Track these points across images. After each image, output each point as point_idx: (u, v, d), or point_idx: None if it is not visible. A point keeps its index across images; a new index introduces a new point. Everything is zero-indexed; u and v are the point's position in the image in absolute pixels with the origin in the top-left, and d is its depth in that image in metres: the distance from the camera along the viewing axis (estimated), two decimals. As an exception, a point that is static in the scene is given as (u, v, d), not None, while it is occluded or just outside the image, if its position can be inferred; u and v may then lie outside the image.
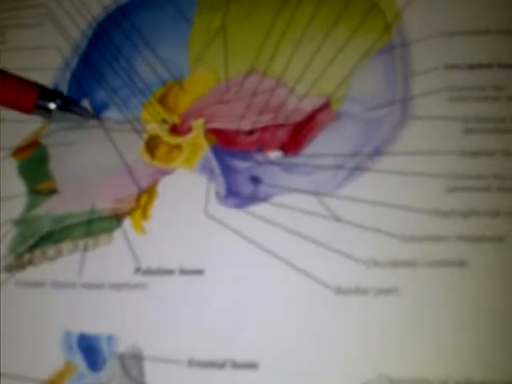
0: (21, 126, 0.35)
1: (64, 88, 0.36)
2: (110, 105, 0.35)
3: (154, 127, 0.34)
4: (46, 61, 0.37)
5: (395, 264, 0.28)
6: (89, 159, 0.34)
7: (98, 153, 0.34)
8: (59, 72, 0.37)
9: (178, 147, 0.33)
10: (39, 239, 0.32)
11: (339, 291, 0.28)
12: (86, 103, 0.36)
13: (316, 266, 0.29)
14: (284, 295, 0.29)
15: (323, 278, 0.29)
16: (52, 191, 0.34)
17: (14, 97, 0.34)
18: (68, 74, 0.37)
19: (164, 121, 0.34)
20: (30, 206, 0.33)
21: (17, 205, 0.34)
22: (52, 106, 0.35)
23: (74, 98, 0.36)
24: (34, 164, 0.35)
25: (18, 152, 0.35)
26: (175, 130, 0.34)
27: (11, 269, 0.32)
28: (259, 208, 0.31)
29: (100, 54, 0.37)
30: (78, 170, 0.34)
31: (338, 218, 0.30)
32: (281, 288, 0.29)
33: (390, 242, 0.29)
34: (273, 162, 0.32)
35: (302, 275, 0.29)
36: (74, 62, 0.37)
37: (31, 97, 0.35)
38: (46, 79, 0.36)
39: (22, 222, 0.33)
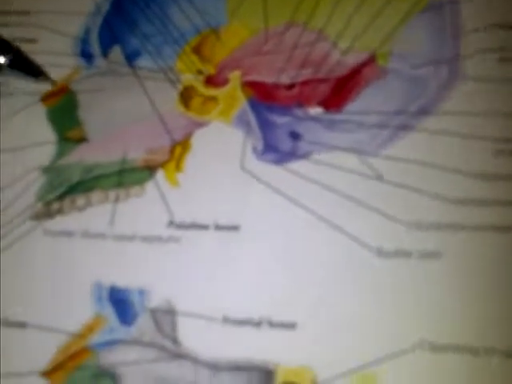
0: (49, 71, 0.34)
1: (95, 34, 0.35)
2: (143, 53, 0.34)
3: (188, 77, 0.33)
4: (77, 5, 0.35)
5: (439, 227, 0.28)
6: (120, 107, 0.33)
7: (130, 101, 0.33)
8: (90, 17, 0.35)
9: (214, 99, 0.32)
10: (68, 188, 0.31)
11: (381, 253, 0.28)
12: (117, 49, 0.34)
13: (357, 227, 0.28)
14: (323, 255, 0.28)
15: (364, 239, 0.28)
16: (82, 139, 0.33)
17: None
18: (99, 20, 0.35)
19: (199, 71, 0.33)
20: (60, 154, 0.32)
21: (45, 152, 0.33)
22: (1, 60, 0.33)
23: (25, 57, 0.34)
24: (64, 110, 0.33)
25: (46, 97, 0.34)
26: (211, 81, 0.33)
27: (39, 217, 0.31)
28: (298, 165, 0.30)
29: (132, 0, 0.35)
30: (108, 119, 0.33)
31: (380, 178, 0.29)
32: (320, 248, 0.28)
33: (434, 205, 0.28)
34: (313, 118, 0.31)
35: (343, 235, 0.28)
36: (106, 7, 0.35)
37: None
38: (76, 24, 0.35)
39: (50, 170, 0.32)
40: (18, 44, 0.34)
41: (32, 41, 0.35)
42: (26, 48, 0.34)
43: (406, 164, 0.29)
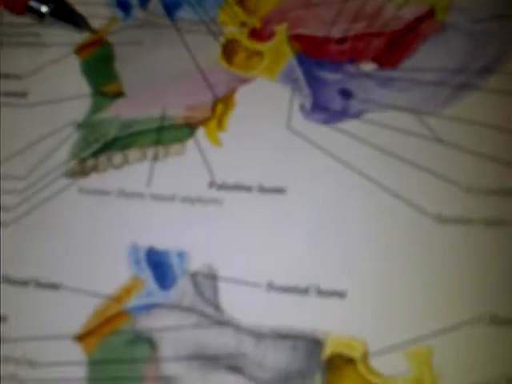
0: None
1: (132, -19, 0.33)
2: (184, 3, 0.32)
3: (232, 30, 0.31)
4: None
5: (502, 193, 0.25)
6: (159, 61, 0.31)
7: (169, 55, 0.31)
8: (128, -35, 0.33)
9: (259, 53, 0.30)
10: (104, 145, 0.30)
11: (440, 219, 0.26)
12: (156, 0, 0.32)
13: (414, 191, 0.26)
14: (376, 221, 0.26)
15: (422, 205, 0.26)
16: (118, 94, 0.31)
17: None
18: (138, -32, 0.33)
19: (243, 24, 0.31)
20: (95, 109, 0.31)
21: (80, 106, 0.31)
22: (44, 9, 0.31)
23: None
24: (99, 63, 0.32)
25: (81, 49, 0.32)
26: (255, 34, 0.31)
27: (74, 174, 0.30)
28: (350, 124, 0.28)
29: None
30: (146, 73, 0.31)
31: (439, 140, 0.27)
32: (372, 213, 0.26)
33: (497, 169, 0.26)
34: (366, 75, 0.29)
35: (398, 200, 0.26)
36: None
37: None
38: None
39: (85, 126, 0.30)
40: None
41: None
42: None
43: (467, 125, 0.27)
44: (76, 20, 0.32)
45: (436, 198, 0.26)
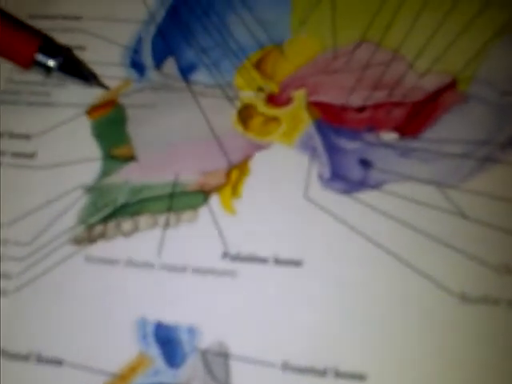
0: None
1: (147, 44, 0.32)
2: (199, 66, 0.31)
3: (248, 95, 0.30)
4: (130, 12, 0.33)
5: (531, 273, 0.24)
6: (173, 125, 0.30)
7: (183, 118, 0.30)
8: (143, 25, 0.33)
9: (276, 119, 0.29)
10: (114, 210, 0.29)
11: (465, 299, 0.24)
12: (171, 61, 0.31)
13: (437, 268, 0.25)
14: (396, 298, 0.25)
15: (446, 283, 0.25)
16: (130, 158, 0.30)
17: (11, 47, 0.30)
18: (153, 28, 0.32)
19: (260, 89, 0.30)
20: (105, 173, 0.30)
21: (90, 170, 0.30)
22: (51, 63, 0.30)
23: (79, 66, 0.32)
24: (111, 125, 0.31)
25: (93, 110, 0.31)
26: (273, 99, 0.30)
27: (81, 241, 0.28)
28: (369, 195, 0.27)
29: (189, 8, 0.32)
30: (159, 136, 0.30)
31: (463, 215, 0.26)
32: (393, 289, 0.25)
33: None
34: (387, 145, 0.28)
35: (420, 276, 0.25)
36: (160, 15, 0.33)
37: (29, 49, 0.30)
38: (128, 32, 0.32)
39: (94, 190, 0.29)
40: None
41: (80, 48, 0.32)
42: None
43: (492, 200, 0.26)
44: (86, 75, 0.31)
45: (460, 276, 0.25)
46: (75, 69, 0.31)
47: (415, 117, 0.28)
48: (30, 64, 0.31)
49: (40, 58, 0.31)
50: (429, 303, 0.25)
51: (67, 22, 0.33)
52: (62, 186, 0.30)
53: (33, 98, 0.32)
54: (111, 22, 0.33)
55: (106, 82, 0.32)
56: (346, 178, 0.28)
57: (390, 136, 0.28)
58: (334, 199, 0.27)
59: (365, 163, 0.28)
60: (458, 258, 0.25)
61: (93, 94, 0.32)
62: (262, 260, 0.27)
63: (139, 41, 0.32)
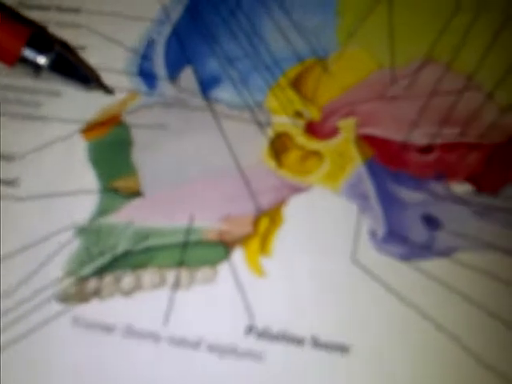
0: (98, 93, 0.25)
1: (161, 47, 0.26)
2: (223, 80, 0.25)
3: (283, 121, 0.24)
4: (139, 7, 0.26)
5: None
6: (188, 153, 0.24)
7: (201, 145, 0.24)
8: (156, 24, 0.26)
9: (317, 155, 0.23)
10: (112, 260, 0.23)
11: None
12: (189, 72, 0.25)
13: (507, 362, 0.19)
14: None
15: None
16: (134, 193, 0.24)
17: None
18: (168, 29, 0.26)
19: (298, 114, 0.24)
20: (103, 210, 0.24)
21: (84, 205, 0.24)
22: (41, 60, 0.24)
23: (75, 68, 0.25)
24: (112, 149, 0.25)
25: (90, 129, 0.25)
26: (314, 129, 0.24)
27: (68, 298, 0.23)
28: (435, 265, 0.21)
29: (213, 7, 0.26)
30: (171, 167, 0.24)
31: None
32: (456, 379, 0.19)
33: None
34: (459, 200, 0.22)
35: (486, 371, 0.19)
36: (177, 14, 0.26)
37: (15, 42, 0.24)
38: (136, 33, 0.26)
39: (89, 232, 0.23)
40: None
41: (76, 48, 0.26)
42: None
43: None
44: (84, 76, 0.24)
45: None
46: (70, 68, 0.24)
47: (495, 165, 0.22)
48: (14, 60, 0.24)
49: (28, 53, 0.24)
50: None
51: (63, 14, 0.27)
52: (49, 225, 0.24)
53: (19, 108, 0.26)
54: (117, 18, 0.27)
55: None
56: (405, 239, 0.22)
57: (463, 188, 0.22)
58: (389, 266, 0.22)
59: (431, 222, 0.22)
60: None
61: (92, 108, 0.25)
62: (298, 340, 0.21)
63: (150, 44, 0.26)
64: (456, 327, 0.21)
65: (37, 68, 0.25)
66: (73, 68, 0.25)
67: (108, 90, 0.25)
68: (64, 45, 0.26)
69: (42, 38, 0.25)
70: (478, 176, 0.22)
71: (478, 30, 0.24)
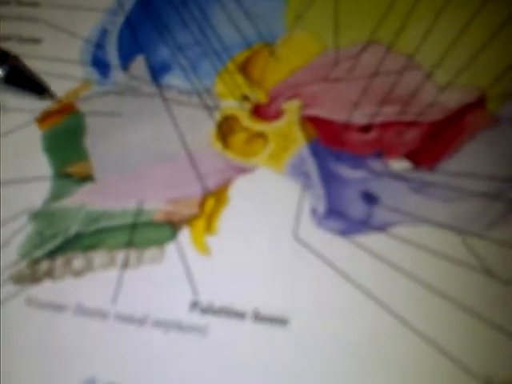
0: (53, 82, 0.26)
1: (114, 36, 0.26)
2: (174, 67, 0.26)
3: (230, 105, 0.25)
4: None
5: None
6: (139, 138, 0.25)
7: (152, 131, 0.25)
8: (109, 15, 0.27)
9: (262, 136, 0.24)
10: (64, 243, 0.23)
11: (489, 384, 0.19)
12: (141, 61, 0.26)
13: (454, 340, 0.20)
14: (403, 370, 0.20)
15: (466, 362, 0.20)
16: (86, 177, 0.24)
17: None
18: (120, 19, 0.27)
19: (245, 97, 0.25)
20: (56, 195, 0.24)
21: (37, 191, 0.25)
22: None
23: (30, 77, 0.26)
24: (66, 137, 0.25)
25: (44, 117, 0.26)
26: (260, 111, 0.24)
27: (22, 280, 0.24)
28: (373, 239, 0.22)
29: (165, -4, 0.27)
30: (123, 152, 0.25)
31: (489, 272, 0.20)
32: (398, 361, 0.20)
33: None
34: (397, 176, 0.22)
35: (434, 350, 0.20)
36: (130, 4, 0.27)
37: None
38: (90, 23, 0.27)
39: (42, 216, 0.24)
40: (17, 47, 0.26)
41: (35, 40, 0.27)
42: (26, 50, 0.26)
43: (525, 254, 0.20)
44: (36, 85, 0.25)
45: (484, 354, 0.20)
46: (25, 80, 0.25)
47: (432, 142, 0.23)
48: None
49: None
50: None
51: (22, 8, 0.28)
52: (5, 210, 0.24)
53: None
54: (73, 11, 0.27)
55: (63, 82, 0.26)
56: (345, 215, 0.22)
57: (400, 165, 0.23)
58: (329, 241, 0.22)
59: (369, 198, 0.22)
60: (481, 330, 0.20)
61: (41, 101, 0.26)
62: (239, 315, 0.22)
63: (103, 34, 0.27)
64: (391, 299, 0.21)
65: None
66: (27, 80, 0.26)
67: (56, 99, 0.26)
68: (15, 58, 0.27)
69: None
70: (416, 153, 0.23)
71: (420, 12, 0.25)
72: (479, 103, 0.23)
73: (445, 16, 0.25)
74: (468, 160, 0.22)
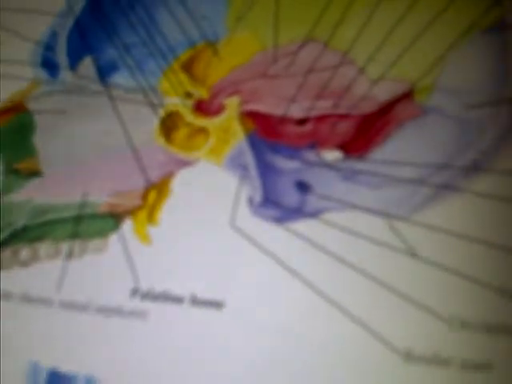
0: (4, 83, 0.27)
1: (63, 38, 0.27)
2: (120, 66, 0.27)
3: (174, 101, 0.26)
4: (45, 2, 0.28)
5: (489, 328, 0.20)
6: (85, 135, 0.26)
7: (97, 127, 0.26)
8: (59, 18, 0.28)
9: (204, 131, 0.25)
10: (11, 234, 0.24)
11: (410, 358, 0.20)
12: (89, 60, 0.27)
13: (377, 317, 0.21)
14: (331, 348, 0.21)
15: (388, 337, 0.20)
16: (34, 172, 0.25)
17: None
18: (70, 21, 0.28)
19: (188, 94, 0.26)
20: (5, 190, 0.25)
21: (-13, 186, 0.25)
22: None
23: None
24: (15, 134, 0.26)
25: (-5, 116, 0.27)
26: (202, 107, 0.25)
27: (-30, 271, 0.24)
28: (305, 225, 0.23)
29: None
30: (69, 148, 0.26)
31: (413, 253, 0.21)
32: (327, 340, 0.21)
33: (487, 296, 0.20)
34: (329, 166, 0.23)
35: (358, 327, 0.21)
36: (79, 7, 0.28)
37: None
38: (40, 25, 0.28)
39: (-10, 210, 0.25)
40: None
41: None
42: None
43: (447, 236, 0.21)
44: None
45: (406, 329, 0.21)
46: None
47: (363, 133, 0.24)
48: None
49: None
50: (368, 358, 0.21)
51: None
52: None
53: None
54: (25, 14, 0.28)
55: (12, 83, 0.27)
56: (279, 203, 0.23)
57: (332, 155, 0.24)
58: (264, 229, 0.23)
59: (302, 187, 0.23)
60: (403, 306, 0.21)
61: (-2, 97, 0.27)
62: (177, 299, 0.23)
63: (53, 36, 0.28)
64: (321, 280, 0.22)
65: None
66: None
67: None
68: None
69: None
70: (347, 143, 0.24)
71: (355, 10, 0.26)
72: (408, 95, 0.24)
73: (378, 13, 0.26)
74: (396, 149, 0.23)
